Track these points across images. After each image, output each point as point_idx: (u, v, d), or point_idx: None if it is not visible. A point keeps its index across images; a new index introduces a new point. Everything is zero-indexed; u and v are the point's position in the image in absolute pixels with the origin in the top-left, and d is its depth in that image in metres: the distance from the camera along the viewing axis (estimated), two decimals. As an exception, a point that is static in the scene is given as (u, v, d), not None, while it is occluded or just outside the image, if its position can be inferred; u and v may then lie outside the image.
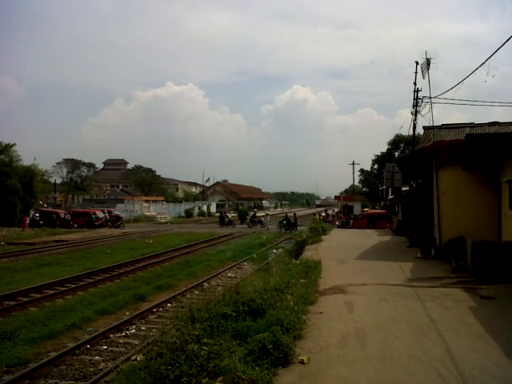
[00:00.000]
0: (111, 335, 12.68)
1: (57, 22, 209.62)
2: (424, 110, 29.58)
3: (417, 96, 31.64)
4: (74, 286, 19.05)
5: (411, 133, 33.05)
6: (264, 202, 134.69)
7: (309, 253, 20.39)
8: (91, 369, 10.40)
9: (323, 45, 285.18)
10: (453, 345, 7.58)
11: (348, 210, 53.43)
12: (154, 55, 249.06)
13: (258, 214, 60.12)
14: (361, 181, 78.38)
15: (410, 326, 8.71)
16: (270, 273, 13.58)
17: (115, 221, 53.13)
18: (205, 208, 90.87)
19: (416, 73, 30.41)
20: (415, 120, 31.51)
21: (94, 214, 52.64)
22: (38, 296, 17.13)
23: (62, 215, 52.03)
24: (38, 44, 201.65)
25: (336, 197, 70.97)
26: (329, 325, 8.82)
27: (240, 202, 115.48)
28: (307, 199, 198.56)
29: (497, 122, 20.66)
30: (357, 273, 14.95)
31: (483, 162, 16.33)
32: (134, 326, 13.56)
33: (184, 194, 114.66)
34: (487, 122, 21.63)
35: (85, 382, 9.59)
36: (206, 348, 6.37)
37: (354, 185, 75.62)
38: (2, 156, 51.85)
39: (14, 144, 52.92)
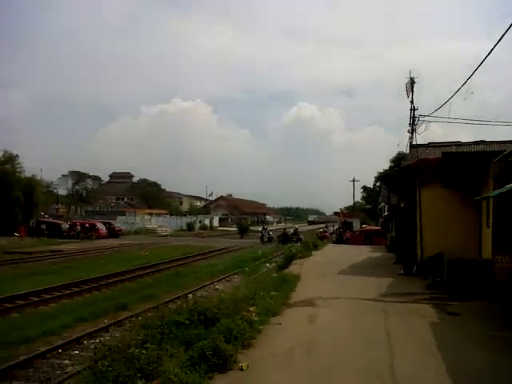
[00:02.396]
0: (85, 341, 12.85)
1: (67, 36, 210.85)
2: (420, 128, 29.91)
3: (413, 114, 32.03)
4: (59, 294, 19.23)
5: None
6: (268, 216, 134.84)
7: (294, 267, 20.57)
8: (57, 372, 10.60)
9: (329, 62, 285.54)
10: (399, 359, 7.72)
11: (347, 226, 53.42)
12: (163, 71, 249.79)
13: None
14: (363, 198, 78.42)
15: (364, 339, 8.86)
16: (245, 284, 13.78)
17: (86, 231, 52.63)
18: (207, 222, 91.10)
19: (413, 92, 30.79)
20: (411, 138, 31.89)
21: (73, 224, 53.81)
22: (22, 303, 17.31)
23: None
24: (48, 58, 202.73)
25: (336, 213, 71.03)
26: (283, 335, 9.01)
27: (243, 216, 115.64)
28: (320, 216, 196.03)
29: (483, 141, 20.79)
30: (333, 287, 15.09)
31: (459, 180, 16.49)
32: (108, 334, 13.73)
33: (189, 207, 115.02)
34: (492, 140, 21.71)
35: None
36: (145, 352, 6.57)
37: (354, 201, 75.66)
38: (6, 166, 52.56)
39: (16, 155, 53.78)
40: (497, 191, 11.69)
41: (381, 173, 70.70)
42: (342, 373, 6.99)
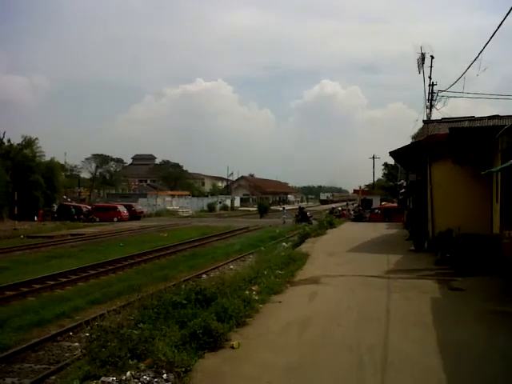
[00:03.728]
0: (96, 324, 13.12)
1: (89, 20, 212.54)
2: (439, 104, 29.60)
3: (432, 90, 31.61)
4: (76, 277, 19.62)
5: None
6: (289, 196, 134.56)
7: (306, 245, 20.68)
8: (67, 354, 10.91)
9: (352, 39, 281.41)
10: (392, 334, 7.77)
11: (367, 203, 53.10)
12: (184, 52, 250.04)
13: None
14: (384, 175, 77.77)
15: (360, 316, 8.94)
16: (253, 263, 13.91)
17: (87, 214, 52.87)
18: (228, 202, 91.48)
19: (431, 67, 30.32)
20: (429, 114, 31.52)
21: (74, 207, 54.53)
22: (39, 286, 17.74)
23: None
24: (71, 42, 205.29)
25: (355, 190, 70.57)
26: (280, 313, 9.13)
27: (265, 196, 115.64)
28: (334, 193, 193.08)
29: (497, 116, 20.43)
30: (341, 265, 15.13)
31: (469, 155, 16.31)
32: (120, 315, 14.00)
33: (211, 188, 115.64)
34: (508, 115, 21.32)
35: (54, 366, 10.07)
36: (136, 332, 6.74)
37: (373, 178, 75.22)
38: (26, 151, 53.35)
39: (36, 138, 54.62)
40: (499, 166, 11.58)
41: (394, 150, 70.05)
42: (332, 349, 7.09)
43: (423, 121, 24.13)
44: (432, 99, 31.64)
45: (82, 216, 51.46)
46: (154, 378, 5.87)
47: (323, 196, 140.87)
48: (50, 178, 53.56)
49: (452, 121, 21.15)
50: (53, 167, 55.76)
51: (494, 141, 14.64)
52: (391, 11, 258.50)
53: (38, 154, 54.44)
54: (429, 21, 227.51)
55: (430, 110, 31.83)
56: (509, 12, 12.01)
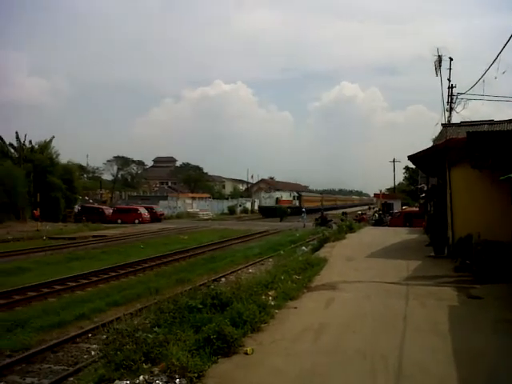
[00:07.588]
0: (112, 326, 13.27)
1: (107, 22, 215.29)
2: (459, 106, 29.43)
3: (451, 92, 31.45)
4: (97, 278, 19.89)
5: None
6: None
7: (324, 250, 20.60)
8: (85, 356, 11.06)
9: (370, 40, 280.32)
10: (407, 342, 7.71)
11: (388, 207, 52.84)
12: (203, 54, 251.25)
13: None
14: (406, 178, 77.35)
15: (376, 323, 8.89)
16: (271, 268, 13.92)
17: (77, 215, 54.09)
18: (248, 205, 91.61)
19: (450, 69, 30.15)
20: (449, 116, 31.34)
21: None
22: (60, 288, 18.03)
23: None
24: (89, 44, 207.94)
25: (375, 194, 70.21)
26: (295, 319, 9.12)
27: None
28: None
29: (516, 119, 20.25)
30: (359, 270, 15.04)
31: (488, 159, 16.07)
32: (139, 317, 14.13)
33: (232, 190, 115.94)
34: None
35: (72, 367, 10.22)
36: (150, 336, 6.82)
37: (394, 182, 74.64)
38: (43, 154, 54.23)
39: (53, 137, 56.05)
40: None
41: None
42: (346, 356, 7.07)
43: (442, 124, 23.99)
44: (452, 102, 31.51)
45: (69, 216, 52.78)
46: (167, 382, 5.94)
47: (266, 200, 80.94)
48: (68, 179, 54.39)
49: (471, 124, 20.95)
50: (70, 169, 56.72)
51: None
52: (409, 12, 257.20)
53: (54, 155, 55.54)
54: (450, 21, 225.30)
55: (450, 113, 31.71)
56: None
